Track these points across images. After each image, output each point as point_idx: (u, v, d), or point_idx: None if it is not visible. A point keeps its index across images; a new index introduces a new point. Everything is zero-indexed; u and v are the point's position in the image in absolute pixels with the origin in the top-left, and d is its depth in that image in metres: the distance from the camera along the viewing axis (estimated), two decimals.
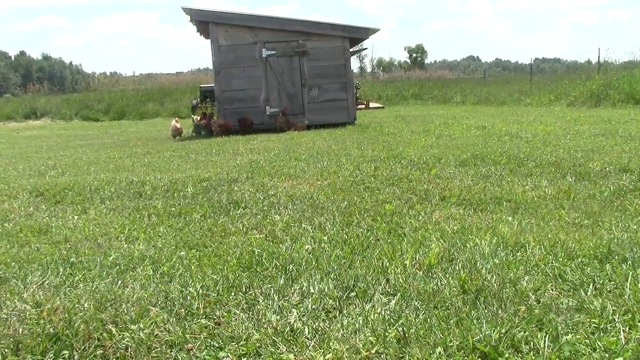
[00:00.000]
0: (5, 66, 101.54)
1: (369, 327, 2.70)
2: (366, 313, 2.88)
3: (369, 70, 61.27)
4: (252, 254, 4.06)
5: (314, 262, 3.78)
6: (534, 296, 3.07)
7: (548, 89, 25.70)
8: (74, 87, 61.60)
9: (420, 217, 5.00)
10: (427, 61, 77.13)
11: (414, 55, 75.10)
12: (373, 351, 2.47)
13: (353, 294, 3.19)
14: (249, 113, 15.84)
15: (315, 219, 5.09)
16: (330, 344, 2.57)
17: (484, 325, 2.67)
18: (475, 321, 2.73)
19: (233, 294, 3.29)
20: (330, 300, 3.10)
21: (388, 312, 2.88)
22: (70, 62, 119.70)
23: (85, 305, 3.16)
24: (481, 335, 2.55)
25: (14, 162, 11.62)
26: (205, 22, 16.01)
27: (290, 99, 15.97)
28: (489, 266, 3.53)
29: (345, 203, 5.67)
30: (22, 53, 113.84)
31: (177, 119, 17.23)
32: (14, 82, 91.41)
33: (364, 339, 2.60)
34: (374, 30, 16.79)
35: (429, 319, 2.77)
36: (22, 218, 5.83)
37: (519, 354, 2.47)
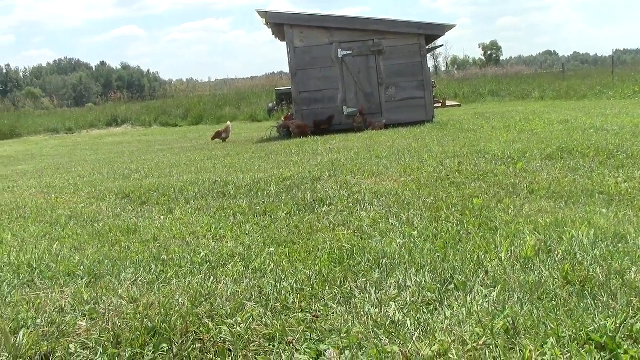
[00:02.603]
0: (87, 77, 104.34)
1: (474, 318, 2.61)
2: (469, 304, 2.78)
3: (443, 68, 60.78)
4: (342, 249, 4.00)
5: (407, 256, 3.70)
6: None
7: (632, 81, 24.99)
8: (152, 94, 62.79)
9: (510, 211, 4.87)
10: (502, 58, 76.17)
11: (489, 52, 74.21)
12: (480, 342, 2.38)
13: (452, 286, 3.10)
14: (326, 114, 15.78)
15: (402, 215, 5.01)
16: (436, 335, 2.48)
17: (597, 316, 2.55)
18: (585, 312, 2.61)
19: (328, 288, 3.24)
20: (429, 293, 3.02)
21: (491, 304, 2.78)
22: (148, 71, 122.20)
23: (180, 300, 3.15)
24: (595, 326, 2.43)
25: (98, 167, 11.87)
26: (280, 24, 16.06)
27: (368, 98, 15.87)
28: (590, 257, 3.39)
29: (432, 198, 5.57)
30: (103, 63, 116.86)
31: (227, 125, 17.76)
32: (95, 91, 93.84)
33: (469, 330, 2.51)
34: (450, 27, 16.57)
35: (534, 310, 2.66)
36: (110, 219, 5.92)
37: (638, 345, 2.34)
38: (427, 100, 16.08)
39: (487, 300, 2.85)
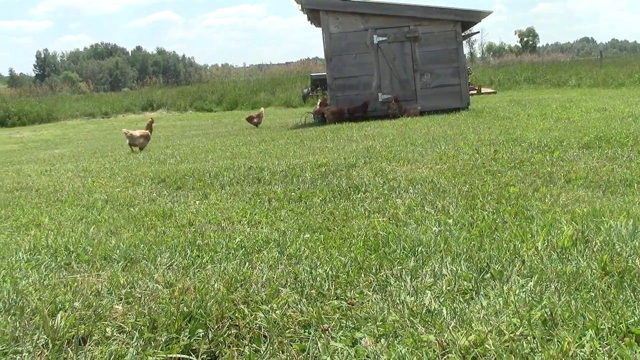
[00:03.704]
0: (123, 61, 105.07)
1: (511, 308, 2.58)
2: (505, 294, 2.76)
3: (478, 55, 60.20)
4: (377, 237, 3.99)
5: (442, 244, 3.67)
6: None
7: None
8: (187, 79, 63.11)
9: (547, 200, 4.82)
10: (538, 45, 75.27)
11: (525, 39, 73.40)
12: (518, 333, 2.36)
13: (488, 275, 3.08)
14: (361, 100, 15.70)
15: (437, 202, 4.98)
16: (472, 325, 2.46)
17: (637, 308, 2.51)
18: (625, 304, 2.57)
19: (363, 275, 3.23)
20: (465, 282, 3.00)
21: (528, 294, 2.75)
22: (183, 56, 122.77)
23: (216, 285, 3.16)
24: (636, 319, 2.40)
25: (134, 151, 11.98)
26: (316, 10, 16.02)
27: (403, 85, 15.79)
28: (629, 248, 3.34)
29: (467, 186, 5.53)
30: (139, 48, 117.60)
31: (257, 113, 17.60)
32: (131, 76, 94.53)
33: (506, 320, 2.48)
34: (486, 13, 16.40)
35: (572, 301, 2.62)
36: (146, 203, 5.96)
37: None
38: (462, 87, 15.96)
39: (523, 290, 2.82)
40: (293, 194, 5.85)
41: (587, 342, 2.26)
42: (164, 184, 7.07)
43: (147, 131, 12.80)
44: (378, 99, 15.88)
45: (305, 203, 5.44)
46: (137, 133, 12.55)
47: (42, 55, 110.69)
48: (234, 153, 9.78)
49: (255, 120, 16.94)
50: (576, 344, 2.26)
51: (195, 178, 7.10)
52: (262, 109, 18.46)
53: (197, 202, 5.87)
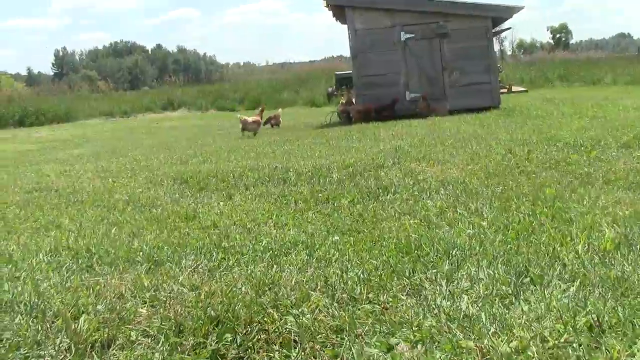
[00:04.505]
0: (142, 60, 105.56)
1: (553, 314, 2.54)
2: (547, 299, 2.71)
3: (509, 53, 59.79)
4: (409, 239, 3.95)
5: (477, 247, 3.63)
6: None
7: None
8: (208, 77, 63.28)
9: (585, 202, 4.75)
10: (571, 41, 74.65)
11: (558, 35, 72.78)
12: (562, 340, 2.31)
13: (527, 279, 3.03)
14: (388, 98, 15.53)
15: (470, 204, 4.93)
16: (513, 331, 2.42)
17: None
18: None
19: (396, 279, 3.20)
20: (503, 286, 2.96)
21: (570, 299, 2.70)
22: (204, 54, 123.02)
23: (243, 289, 3.15)
24: None
25: (155, 151, 12.01)
26: (341, 6, 15.99)
27: (431, 83, 15.70)
28: None
29: (501, 188, 5.48)
30: (159, 46, 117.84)
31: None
32: (151, 74, 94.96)
33: (549, 326, 2.44)
34: (517, 9, 16.29)
35: (619, 308, 2.57)
36: (168, 204, 5.97)
37: None
38: (493, 85, 15.83)
39: (565, 295, 2.77)
40: (320, 195, 5.83)
41: (638, 351, 2.21)
42: (186, 184, 7.07)
43: (258, 117, 14.74)
44: (405, 97, 15.76)
45: (333, 204, 5.42)
46: (249, 119, 14.51)
47: (61, 54, 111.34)
48: (257, 153, 9.76)
49: (272, 121, 16.77)
50: (626, 353, 2.21)
51: (218, 179, 7.10)
52: (279, 110, 18.39)
53: (221, 203, 5.87)
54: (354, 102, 16.68)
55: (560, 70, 32.09)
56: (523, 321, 2.50)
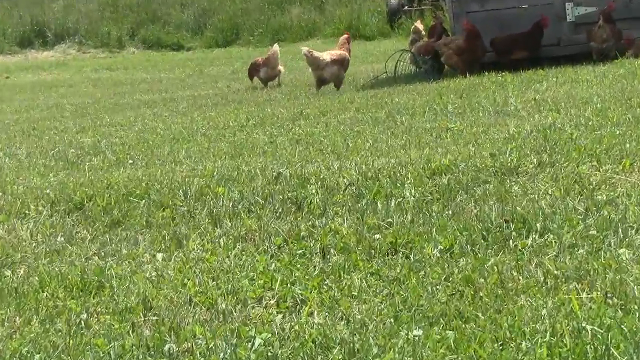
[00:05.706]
0: None
1: None
2: None
3: None
4: (580, 337, 2.14)
5: None
6: None
7: None
8: None
9: None
10: None
11: None
12: None
13: None
14: (524, 23, 9.48)
15: None
16: None
17: None
18: None
19: None
20: None
21: None
22: None
23: None
24: None
25: (5, 139, 8.04)
26: None
27: None
28: None
29: None
30: None
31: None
32: None
33: None
34: None
35: None
36: (39, 259, 3.50)
37: None
38: None
39: None
40: (378, 237, 3.35)
41: None
42: (80, 213, 4.25)
43: (344, 51, 9.30)
44: (565, 17, 9.50)
45: (407, 258, 3.13)
46: (326, 56, 8.98)
47: None
48: (236, 144, 6.26)
49: (261, 73, 10.81)
50: None
51: (152, 201, 4.25)
52: (275, 46, 11.85)
53: (160, 256, 3.38)
54: (447, 31, 10.58)
55: None
56: None
